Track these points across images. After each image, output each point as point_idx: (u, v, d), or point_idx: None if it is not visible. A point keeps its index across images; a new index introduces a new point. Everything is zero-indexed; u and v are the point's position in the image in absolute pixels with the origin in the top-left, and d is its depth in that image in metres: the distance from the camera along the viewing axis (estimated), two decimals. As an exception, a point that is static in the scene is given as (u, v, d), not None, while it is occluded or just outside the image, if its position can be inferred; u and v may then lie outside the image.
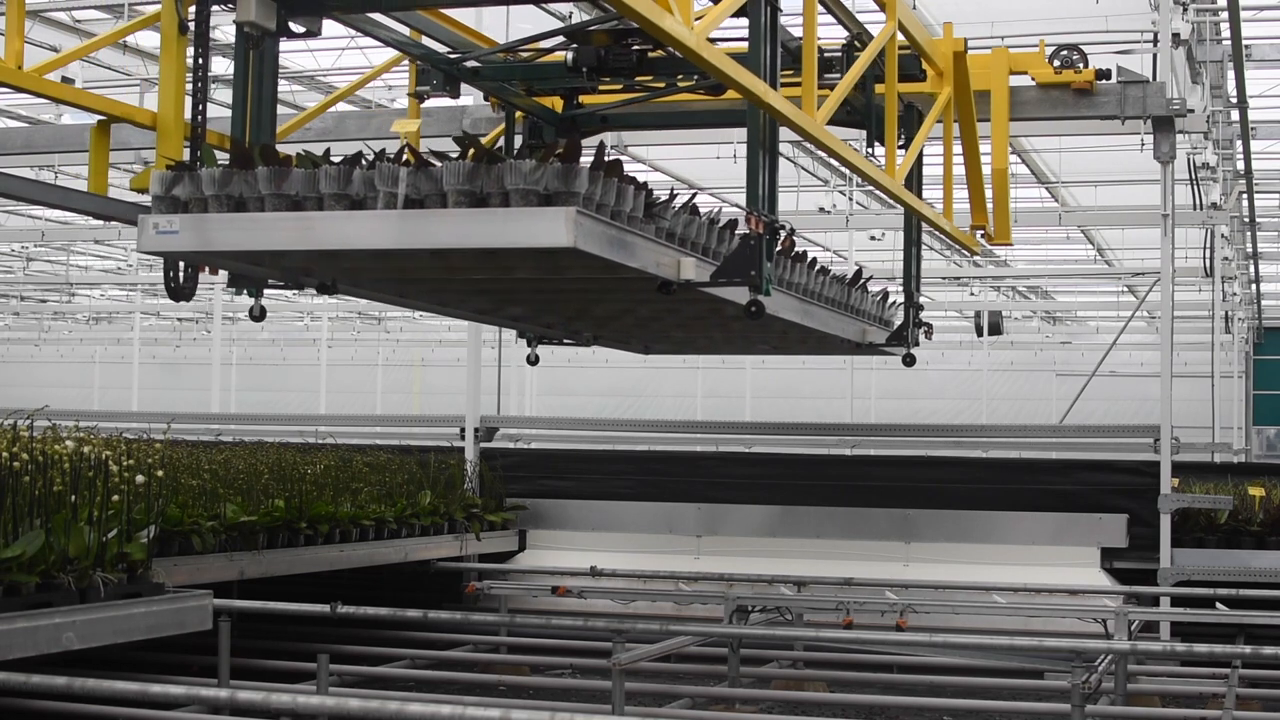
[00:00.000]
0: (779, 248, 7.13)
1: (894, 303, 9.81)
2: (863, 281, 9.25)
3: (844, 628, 9.21)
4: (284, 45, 17.49)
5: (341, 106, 10.45)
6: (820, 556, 10.93)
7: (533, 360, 9.85)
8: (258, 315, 7.30)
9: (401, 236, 6.13)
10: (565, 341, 9.90)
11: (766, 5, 6.70)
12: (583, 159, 6.02)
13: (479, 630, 9.91)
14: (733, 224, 7.13)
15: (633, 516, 11.57)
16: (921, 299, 9.82)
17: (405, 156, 6.20)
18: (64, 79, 9.98)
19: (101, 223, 20.39)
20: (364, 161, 6.21)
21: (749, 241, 6.78)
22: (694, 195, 7.14)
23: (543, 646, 9.67)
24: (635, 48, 8.01)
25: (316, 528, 9.18)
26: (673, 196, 6.73)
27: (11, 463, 5.86)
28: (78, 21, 16.10)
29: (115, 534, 6.17)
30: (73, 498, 6.04)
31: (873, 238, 21.75)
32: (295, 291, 8.08)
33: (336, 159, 6.31)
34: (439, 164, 6.06)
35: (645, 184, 6.39)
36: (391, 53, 10.70)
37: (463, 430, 11.81)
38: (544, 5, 11.70)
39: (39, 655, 5.73)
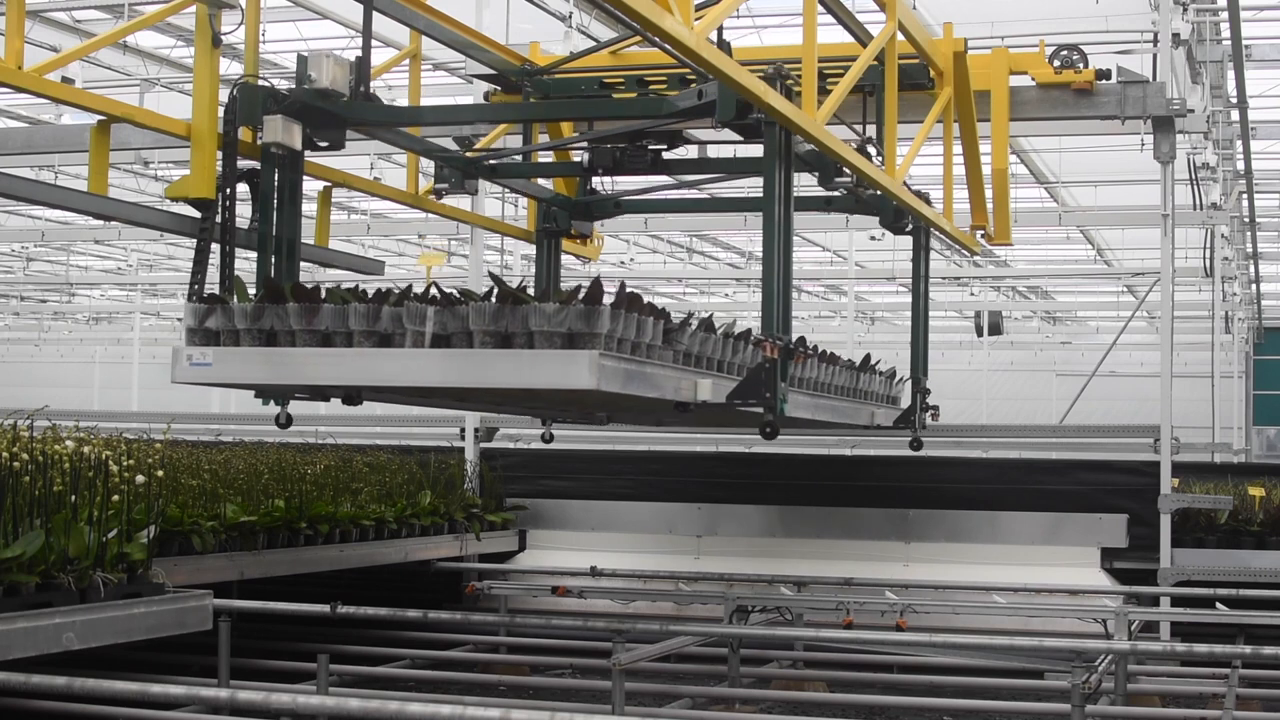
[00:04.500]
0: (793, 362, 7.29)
1: (901, 379, 9.97)
2: (873, 365, 9.50)
3: (844, 628, 9.21)
4: (284, 45, 17.57)
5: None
6: (820, 556, 10.92)
7: (547, 439, 10.09)
8: (284, 424, 7.51)
9: (429, 375, 6.33)
10: (579, 422, 10.10)
11: (782, 130, 6.83)
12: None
13: (479, 630, 9.91)
14: (747, 334, 7.32)
15: (633, 516, 11.56)
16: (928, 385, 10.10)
17: (432, 293, 6.42)
18: (64, 79, 9.97)
19: (101, 223, 20.39)
20: (392, 297, 6.38)
21: (764, 365, 6.87)
22: (710, 316, 7.34)
23: (543, 646, 9.67)
24: (651, 148, 8.18)
25: (316, 528, 9.18)
26: (688, 319, 6.93)
27: (11, 463, 5.86)
28: (78, 21, 16.10)
29: (115, 534, 6.17)
30: (73, 498, 6.04)
31: (873, 238, 21.74)
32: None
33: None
34: (466, 303, 6.21)
35: (663, 310, 6.57)
36: (391, 52, 10.74)
37: (463, 430, 11.80)
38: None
39: (39, 655, 5.72)
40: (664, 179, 9.48)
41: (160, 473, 6.75)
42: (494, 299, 6.25)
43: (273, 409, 7.98)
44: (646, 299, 6.56)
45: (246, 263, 7.70)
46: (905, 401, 10.22)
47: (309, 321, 6.40)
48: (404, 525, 10.08)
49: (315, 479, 9.53)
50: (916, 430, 9.94)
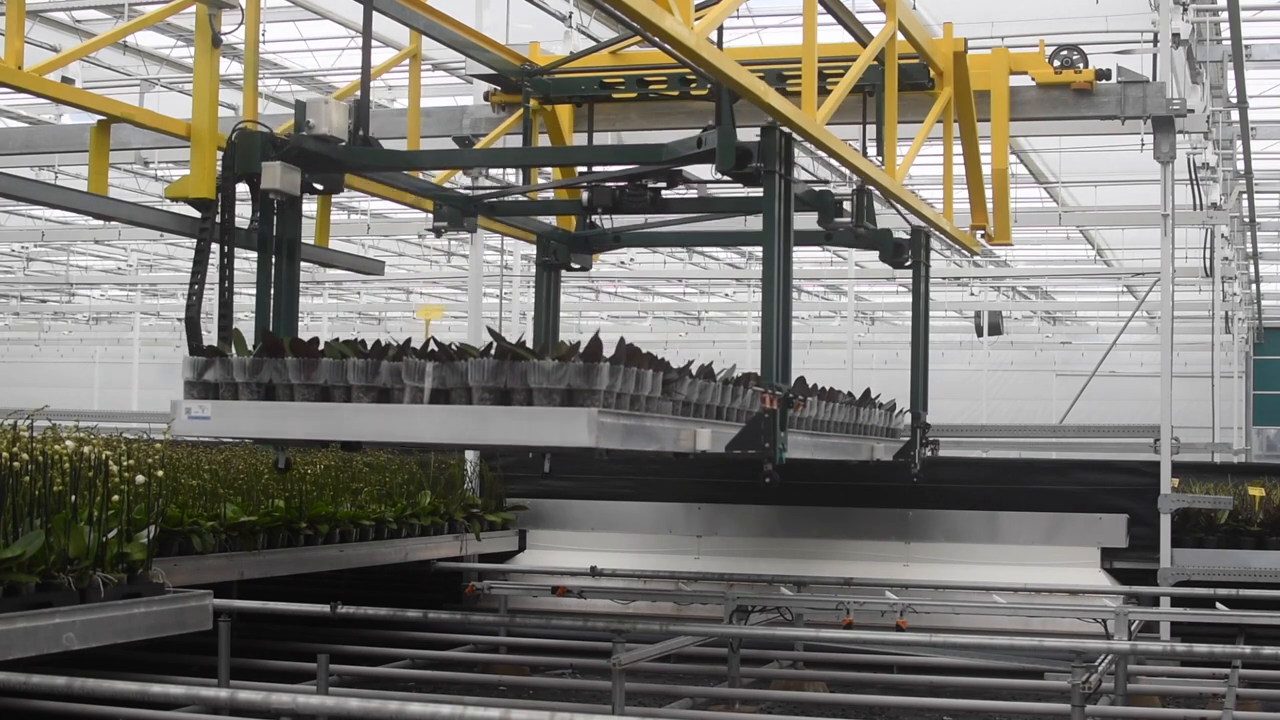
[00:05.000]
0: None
1: (901, 412, 10.03)
2: (874, 399, 9.63)
3: (844, 628, 9.21)
4: (284, 45, 17.59)
5: (341, 106, 10.45)
6: (820, 556, 10.92)
7: (547, 471, 10.18)
8: (284, 468, 7.56)
9: (428, 431, 6.35)
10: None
11: (780, 178, 6.88)
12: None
13: (479, 630, 9.91)
14: (746, 379, 7.38)
15: (633, 516, 11.56)
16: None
17: (430, 348, 6.43)
18: (64, 79, 9.98)
19: (101, 223, 20.39)
20: (391, 351, 6.41)
21: (763, 416, 6.88)
22: (710, 364, 7.39)
23: (543, 646, 9.67)
24: (650, 186, 8.24)
25: (316, 528, 9.18)
26: (687, 367, 6.96)
27: (11, 463, 5.86)
28: (78, 21, 16.09)
29: (115, 534, 6.17)
30: (73, 498, 6.04)
31: (873, 238, 21.73)
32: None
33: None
34: (465, 359, 6.22)
35: (663, 361, 6.61)
36: (391, 52, 10.75)
37: (463, 430, 11.78)
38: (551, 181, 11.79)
39: (39, 655, 5.72)
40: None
41: (160, 473, 6.75)
42: (492, 355, 6.25)
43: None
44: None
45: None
46: (907, 432, 10.27)
47: (307, 376, 6.41)
48: (404, 525, 10.09)
49: (315, 479, 9.53)
50: (915, 466, 10.02)
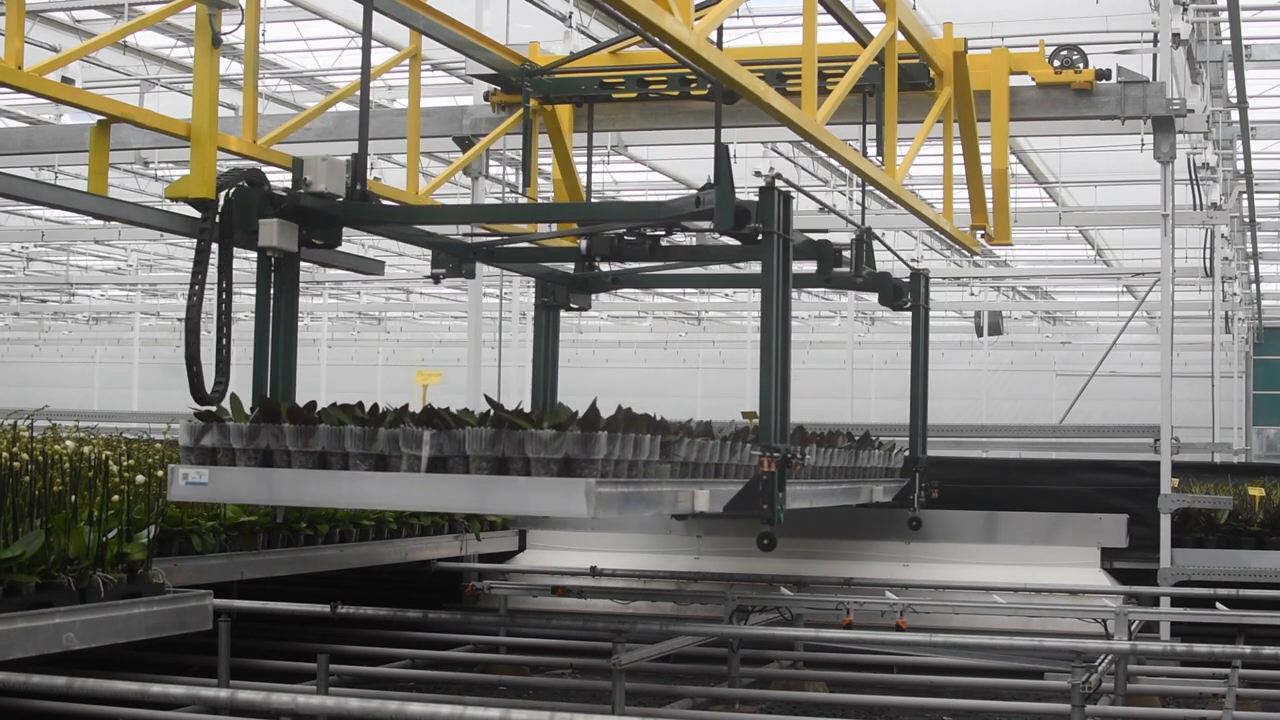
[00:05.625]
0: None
1: (900, 451, 10.09)
2: (874, 440, 9.71)
3: (844, 628, 9.21)
4: (284, 45, 17.62)
5: (341, 106, 10.46)
6: (820, 556, 10.92)
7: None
8: (280, 521, 7.73)
9: (425, 499, 6.48)
10: None
11: (779, 238, 6.90)
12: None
13: (478, 630, 9.91)
14: (743, 433, 7.38)
15: (633, 516, 11.54)
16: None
17: (427, 411, 6.44)
18: (64, 79, 9.97)
19: (101, 223, 20.39)
20: (389, 417, 6.42)
21: (761, 478, 6.87)
22: (709, 422, 7.41)
23: (543, 646, 9.66)
24: (649, 235, 8.27)
25: (316, 528, 9.17)
26: (687, 425, 6.97)
27: (11, 463, 5.86)
28: (78, 21, 16.10)
29: (115, 534, 6.17)
30: (73, 498, 6.04)
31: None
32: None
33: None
34: (462, 427, 6.22)
35: (661, 422, 6.61)
36: (391, 52, 10.75)
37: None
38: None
39: (39, 655, 5.73)
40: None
41: (160, 473, 6.76)
42: (490, 423, 6.25)
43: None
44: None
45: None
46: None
47: (305, 442, 6.40)
48: (404, 525, 10.08)
49: (315, 479, 9.52)
50: (915, 509, 10.02)
